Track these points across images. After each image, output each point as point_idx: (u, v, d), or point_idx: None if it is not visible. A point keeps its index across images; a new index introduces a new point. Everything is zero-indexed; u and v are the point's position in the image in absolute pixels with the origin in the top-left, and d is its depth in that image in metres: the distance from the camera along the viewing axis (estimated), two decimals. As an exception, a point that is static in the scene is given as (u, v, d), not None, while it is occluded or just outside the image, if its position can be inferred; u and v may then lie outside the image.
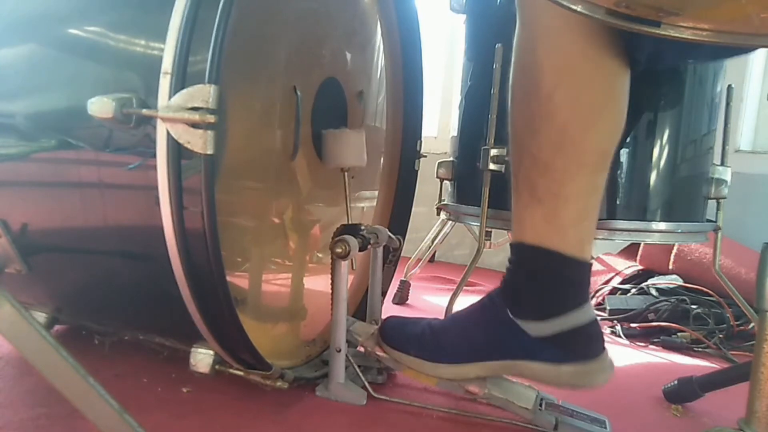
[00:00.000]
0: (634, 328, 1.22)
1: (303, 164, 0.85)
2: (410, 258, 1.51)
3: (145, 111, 0.56)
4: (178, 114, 0.54)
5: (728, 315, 1.20)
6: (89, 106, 0.55)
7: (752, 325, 1.15)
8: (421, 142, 1.13)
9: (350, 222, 0.90)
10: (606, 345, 0.70)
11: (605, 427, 0.74)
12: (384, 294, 1.02)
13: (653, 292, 1.33)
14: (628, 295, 1.35)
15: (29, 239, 0.69)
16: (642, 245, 1.47)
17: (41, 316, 0.77)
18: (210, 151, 0.55)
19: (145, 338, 0.80)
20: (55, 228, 0.70)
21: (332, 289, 0.78)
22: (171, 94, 0.54)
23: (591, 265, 0.70)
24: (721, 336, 1.17)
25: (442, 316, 0.83)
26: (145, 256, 0.66)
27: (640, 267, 1.46)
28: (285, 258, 0.91)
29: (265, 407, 0.73)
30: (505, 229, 1.12)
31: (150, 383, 0.77)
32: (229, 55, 0.56)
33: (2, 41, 0.69)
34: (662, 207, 0.99)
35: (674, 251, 1.40)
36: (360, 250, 0.79)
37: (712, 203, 1.06)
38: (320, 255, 0.94)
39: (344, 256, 0.76)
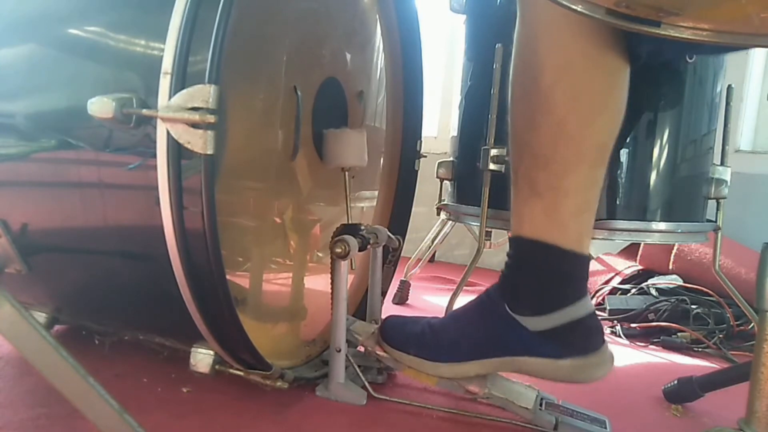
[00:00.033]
0: (634, 328, 1.22)
1: (303, 164, 0.85)
2: (410, 258, 1.51)
3: (145, 111, 0.56)
4: (178, 114, 0.54)
5: (728, 315, 1.20)
6: (89, 106, 0.55)
7: (752, 325, 1.15)
8: (421, 142, 1.13)
9: (350, 222, 0.90)
10: (606, 339, 0.70)
11: (605, 427, 0.74)
12: (384, 294, 1.02)
13: (653, 292, 1.33)
14: (628, 295, 1.36)
15: (29, 239, 0.69)
16: (642, 245, 1.47)
17: (41, 316, 0.77)
18: (210, 151, 0.55)
19: (145, 338, 0.80)
20: (55, 228, 0.70)
21: (332, 288, 0.78)
22: (171, 94, 0.54)
23: (589, 258, 0.70)
24: (721, 336, 1.17)
25: (442, 317, 0.83)
26: (145, 256, 0.66)
27: (640, 267, 1.46)
28: (285, 258, 0.91)
29: (265, 407, 0.73)
30: (505, 229, 1.12)
31: (150, 383, 0.77)
32: (229, 55, 0.56)
33: (2, 41, 0.69)
34: (662, 207, 0.99)
35: (674, 251, 1.40)
36: (359, 250, 0.79)
37: (712, 203, 1.06)
38: (320, 254, 0.94)
39: (344, 256, 0.76)
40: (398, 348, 0.77)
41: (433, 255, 1.77)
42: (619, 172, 0.96)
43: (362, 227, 0.84)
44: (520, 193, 0.69)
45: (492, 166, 0.99)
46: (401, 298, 1.42)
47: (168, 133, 0.55)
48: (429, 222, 1.50)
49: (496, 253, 1.74)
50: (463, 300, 0.88)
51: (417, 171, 1.14)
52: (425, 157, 1.14)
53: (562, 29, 0.62)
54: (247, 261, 0.82)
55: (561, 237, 0.66)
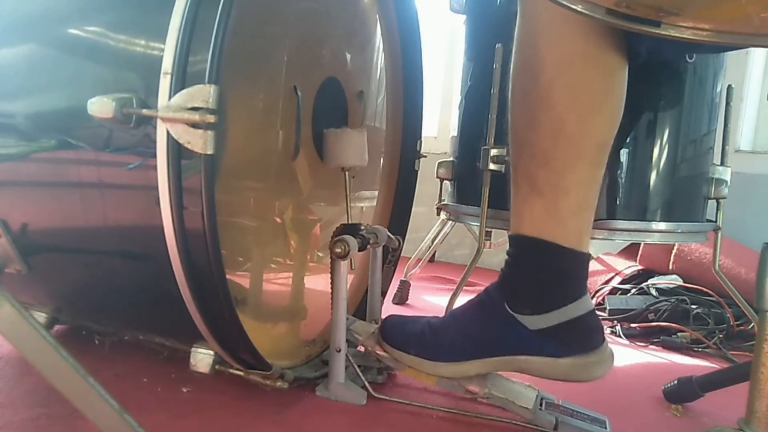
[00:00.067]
0: (634, 328, 1.22)
1: (304, 164, 0.85)
2: (410, 258, 1.51)
3: (145, 111, 0.56)
4: (178, 114, 0.54)
5: (728, 315, 1.20)
6: (89, 106, 0.55)
7: (752, 325, 1.15)
8: (421, 142, 1.13)
9: (350, 222, 0.90)
10: (605, 337, 0.70)
11: (605, 427, 0.74)
12: (384, 294, 1.02)
13: (653, 292, 1.33)
14: (628, 295, 1.36)
15: (29, 239, 0.69)
16: (642, 245, 1.47)
17: (41, 316, 0.77)
18: (210, 151, 0.55)
19: (145, 338, 0.80)
20: (55, 228, 0.70)
21: (332, 288, 0.78)
22: (171, 94, 0.54)
23: (589, 257, 0.70)
24: (721, 336, 1.17)
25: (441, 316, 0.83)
26: (145, 256, 0.66)
27: (640, 267, 1.46)
28: (285, 258, 0.91)
29: (265, 407, 0.73)
30: (505, 229, 1.11)
31: (150, 383, 0.77)
32: (229, 55, 0.56)
33: (2, 41, 0.69)
34: (662, 207, 0.99)
35: (674, 251, 1.40)
36: (359, 250, 0.79)
37: (712, 203, 1.06)
38: (320, 254, 0.94)
39: (343, 256, 0.76)
40: (398, 348, 0.77)
41: (433, 255, 1.77)
42: (619, 172, 0.96)
43: (362, 227, 0.84)
44: (520, 191, 0.69)
45: (492, 166, 0.99)
46: (401, 298, 1.42)
47: (168, 133, 0.55)
48: (429, 222, 1.50)
49: (496, 253, 1.74)
50: (463, 300, 0.88)
51: (417, 171, 1.14)
52: (425, 157, 1.14)
53: (562, 28, 0.62)
54: (247, 261, 0.82)
55: (561, 235, 0.66)
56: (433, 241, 1.54)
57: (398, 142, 1.12)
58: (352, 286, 1.04)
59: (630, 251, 1.56)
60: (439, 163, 1.18)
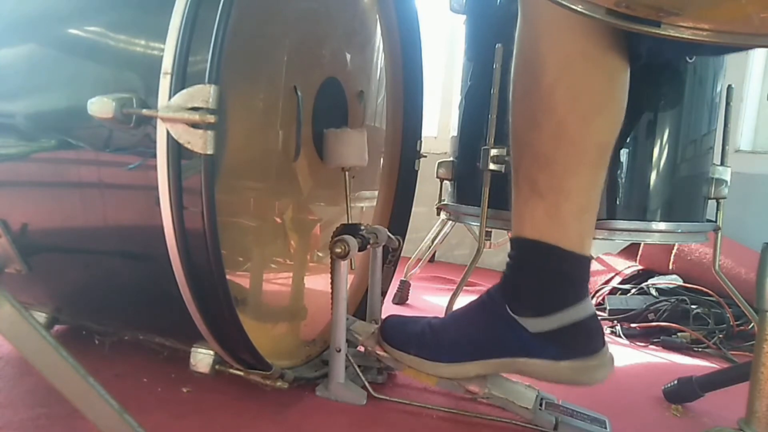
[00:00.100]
0: (634, 328, 1.22)
1: (304, 164, 0.85)
2: (410, 258, 1.51)
3: (145, 111, 0.56)
4: (178, 114, 0.54)
5: (728, 315, 1.20)
6: (89, 106, 0.55)
7: (752, 325, 1.15)
8: (421, 142, 1.13)
9: (350, 222, 0.91)
10: (606, 341, 0.70)
11: (605, 427, 0.74)
12: (384, 294, 1.02)
13: (653, 292, 1.33)
14: (628, 295, 1.36)
15: (29, 239, 0.69)
16: (642, 245, 1.47)
17: (41, 316, 0.77)
18: (210, 151, 0.55)
19: (145, 338, 0.80)
20: (55, 228, 0.70)
21: (332, 288, 0.78)
22: (171, 94, 0.54)
23: (591, 260, 0.70)
24: (721, 336, 1.17)
25: (442, 316, 0.83)
26: (145, 256, 0.66)
27: (640, 267, 1.46)
28: (285, 258, 0.91)
29: (265, 407, 0.73)
30: (505, 229, 1.12)
31: (150, 383, 0.77)
32: (229, 55, 0.56)
33: (2, 41, 0.69)
34: (662, 207, 0.99)
35: (674, 251, 1.40)
36: (359, 250, 0.79)
37: (712, 203, 1.06)
38: (320, 254, 0.94)
39: (343, 256, 0.76)
40: (398, 348, 0.77)
41: (433, 255, 1.77)
42: (619, 172, 0.96)
43: (362, 227, 0.84)
44: (521, 193, 0.69)
45: (492, 166, 0.99)
46: (401, 298, 1.42)
47: (168, 133, 0.55)
48: (429, 222, 1.50)
49: (496, 253, 1.74)
50: (463, 300, 0.88)
51: (417, 171, 1.14)
52: (425, 157, 1.14)
53: (563, 29, 0.62)
54: (248, 261, 0.82)
55: (562, 238, 0.66)
56: (433, 241, 1.54)
57: (398, 142, 1.12)
58: (352, 286, 1.04)
59: (630, 251, 1.56)
60: (439, 163, 1.18)
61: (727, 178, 1.06)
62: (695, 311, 1.22)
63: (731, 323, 1.19)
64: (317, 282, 0.90)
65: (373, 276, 0.93)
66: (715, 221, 1.06)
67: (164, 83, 0.55)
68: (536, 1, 0.63)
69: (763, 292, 0.55)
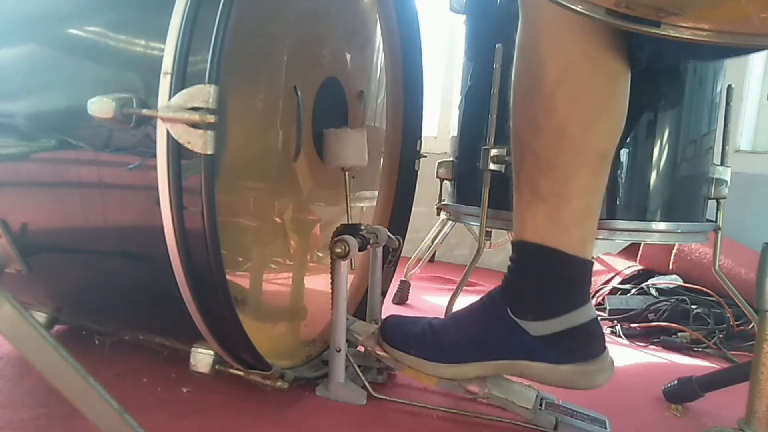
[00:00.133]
0: (634, 328, 1.22)
1: (304, 164, 0.85)
2: (410, 258, 1.51)
3: (145, 111, 0.56)
4: (178, 114, 0.54)
5: (728, 315, 1.20)
6: (89, 106, 0.55)
7: (752, 325, 1.15)
8: (421, 142, 1.13)
9: (350, 222, 0.91)
10: (607, 345, 0.70)
11: (605, 427, 0.74)
12: (384, 294, 1.02)
13: (653, 292, 1.33)
14: (628, 295, 1.36)
15: (29, 239, 0.69)
16: (642, 245, 1.47)
17: (41, 316, 0.77)
18: (210, 151, 0.55)
19: (145, 338, 0.80)
20: (55, 228, 0.70)
21: (332, 288, 0.78)
22: (171, 94, 0.54)
23: (592, 264, 0.70)
24: (721, 336, 1.17)
25: (442, 316, 0.83)
26: (145, 256, 0.66)
27: (640, 267, 1.46)
28: (285, 258, 0.91)
29: (265, 407, 0.73)
30: (505, 229, 1.12)
31: (150, 383, 0.77)
32: (229, 55, 0.56)
33: (2, 41, 0.69)
34: (662, 207, 0.99)
35: (674, 251, 1.40)
36: (359, 250, 0.79)
37: (712, 203, 1.06)
38: (320, 254, 0.94)
39: (344, 256, 0.76)
40: (398, 348, 0.77)
41: (433, 255, 1.77)
42: (619, 172, 0.96)
43: (362, 227, 0.84)
44: (523, 196, 0.69)
45: (492, 166, 0.99)
46: (401, 298, 1.42)
47: (168, 133, 0.55)
48: (429, 222, 1.50)
49: (496, 253, 1.74)
50: (463, 300, 0.88)
51: (417, 171, 1.14)
52: (425, 157, 1.14)
53: (563, 29, 0.62)
54: (247, 261, 0.82)
55: (564, 241, 0.66)
56: (433, 241, 1.54)
57: (398, 142, 1.12)
58: (352, 286, 1.04)
59: (630, 251, 1.56)
60: (439, 163, 1.18)
61: (727, 178, 1.06)
62: (695, 311, 1.22)
63: (731, 323, 1.19)
64: (317, 282, 0.90)
65: (373, 276, 0.93)
66: (715, 221, 1.06)
67: (164, 83, 0.55)
68: (536, 2, 0.63)
69: (763, 292, 0.55)
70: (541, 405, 0.74)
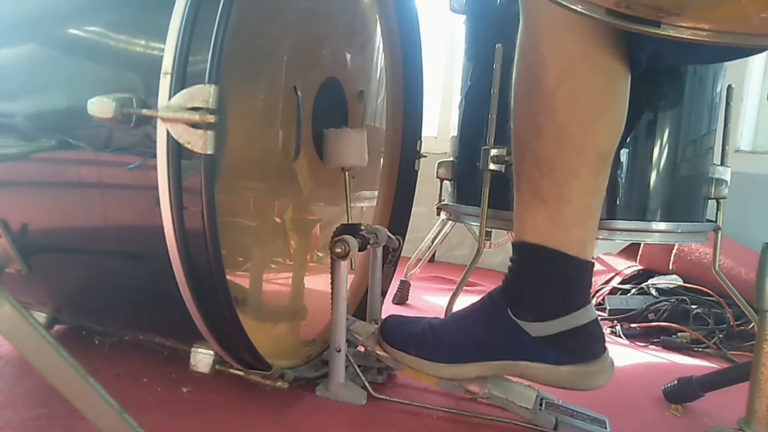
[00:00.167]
0: (634, 328, 1.22)
1: (304, 164, 0.85)
2: (410, 258, 1.51)
3: (145, 111, 0.56)
4: (178, 114, 0.54)
5: (728, 315, 1.20)
6: (89, 106, 0.55)
7: (752, 325, 1.15)
8: (421, 142, 1.13)
9: (350, 222, 0.91)
10: (607, 346, 0.70)
11: (605, 427, 0.74)
12: (384, 294, 1.02)
13: (653, 292, 1.33)
14: (628, 295, 1.36)
15: (29, 239, 0.69)
16: (642, 245, 1.47)
17: (41, 316, 0.77)
18: (210, 151, 0.55)
19: (145, 338, 0.80)
20: (55, 228, 0.70)
21: (332, 289, 0.78)
22: (171, 94, 0.54)
23: (593, 265, 0.70)
24: (721, 336, 1.17)
25: (442, 316, 0.83)
26: (145, 256, 0.66)
27: (640, 267, 1.46)
28: (285, 258, 0.91)
29: (265, 407, 0.73)
30: (505, 229, 1.12)
31: (150, 383, 0.77)
32: (229, 55, 0.56)
33: (2, 41, 0.69)
34: (662, 207, 0.99)
35: (674, 251, 1.40)
36: (359, 250, 0.79)
37: (712, 203, 1.06)
38: (320, 254, 0.94)
39: (344, 256, 0.76)
40: (398, 348, 0.77)
41: (433, 255, 1.77)
42: (619, 172, 0.96)
43: (362, 227, 0.84)
44: (523, 197, 0.69)
45: (492, 166, 0.99)
46: (401, 298, 1.42)
47: (168, 133, 0.55)
48: (429, 222, 1.50)
49: (496, 253, 1.74)
50: (463, 300, 0.88)
51: (417, 171, 1.14)
52: (425, 157, 1.14)
53: (563, 29, 0.62)
54: (247, 261, 0.82)
55: (564, 242, 0.66)
56: (433, 241, 1.54)
57: (398, 142, 1.12)
58: (352, 286, 1.04)
59: (630, 251, 1.56)
60: (439, 163, 1.18)
61: (727, 178, 1.05)
62: (695, 311, 1.22)
63: (731, 323, 1.19)
64: (317, 282, 0.90)
65: (373, 276, 0.93)
66: (715, 221, 1.06)
67: (164, 83, 0.55)
68: (536, 2, 0.63)
69: (763, 292, 0.55)
70: (541, 405, 0.74)
